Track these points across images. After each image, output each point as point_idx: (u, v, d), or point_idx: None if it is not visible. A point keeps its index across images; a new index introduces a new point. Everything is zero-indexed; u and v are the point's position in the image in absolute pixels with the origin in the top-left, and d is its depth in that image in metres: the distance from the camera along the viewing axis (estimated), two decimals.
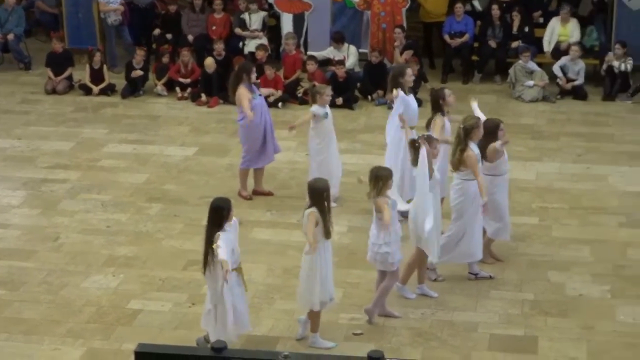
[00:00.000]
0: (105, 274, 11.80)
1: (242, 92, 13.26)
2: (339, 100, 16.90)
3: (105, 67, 18.63)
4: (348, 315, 10.68)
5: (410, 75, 12.93)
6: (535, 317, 10.77)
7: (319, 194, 9.95)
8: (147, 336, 10.29)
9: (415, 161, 10.86)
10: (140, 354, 4.19)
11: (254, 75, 13.65)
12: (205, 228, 9.70)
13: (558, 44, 18.51)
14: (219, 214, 9.64)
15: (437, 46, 19.59)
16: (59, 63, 18.74)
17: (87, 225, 13.11)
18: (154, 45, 19.85)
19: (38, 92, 18.60)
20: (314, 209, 9.88)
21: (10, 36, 19.82)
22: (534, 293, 11.26)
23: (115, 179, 14.54)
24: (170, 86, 18.39)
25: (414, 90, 17.43)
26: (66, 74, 18.64)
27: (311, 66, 17.83)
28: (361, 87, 17.93)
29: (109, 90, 18.43)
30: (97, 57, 18.55)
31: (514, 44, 18.64)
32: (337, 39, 18.53)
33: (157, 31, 19.81)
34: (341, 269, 11.53)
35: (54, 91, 18.50)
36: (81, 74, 18.70)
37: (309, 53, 18.54)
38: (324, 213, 9.90)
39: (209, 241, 9.57)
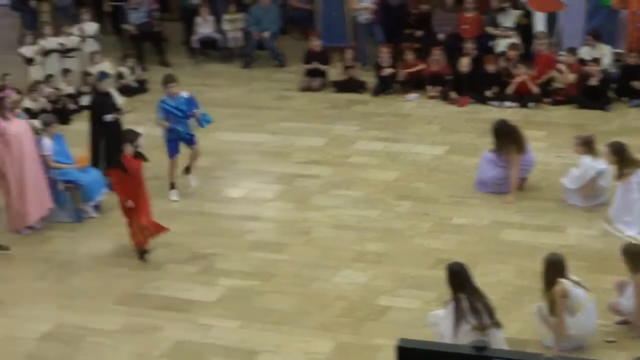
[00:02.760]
0: (355, 269, 11.98)
1: None
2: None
3: (356, 65, 18.90)
4: (599, 321, 10.43)
5: None
6: None
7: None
8: (395, 333, 10.26)
9: None
10: (403, 349, 4.25)
11: None
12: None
13: None
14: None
15: None
16: (315, 61, 19.10)
17: (337, 220, 13.33)
18: (404, 44, 19.99)
19: (291, 89, 19.08)
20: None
21: (266, 34, 20.41)
22: None
23: (365, 176, 14.72)
24: (419, 85, 18.50)
25: None
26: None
27: (568, 58, 17.51)
28: (616, 89, 17.47)
29: (360, 88, 18.71)
30: (349, 54, 18.86)
31: None
32: (595, 35, 18.12)
33: (408, 31, 19.96)
34: (593, 274, 11.30)
35: (309, 89, 18.93)
36: (334, 71, 19.06)
37: (569, 47, 18.11)
38: None
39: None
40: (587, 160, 13.12)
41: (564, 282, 9.78)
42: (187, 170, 14.40)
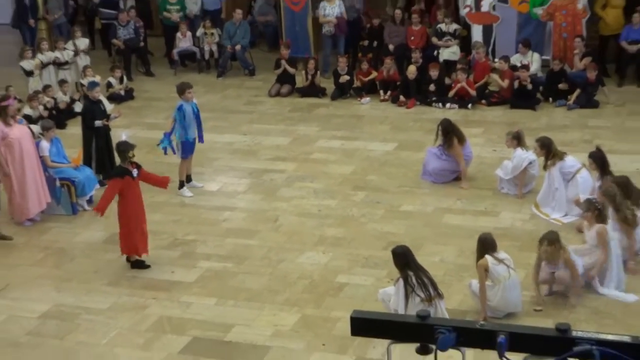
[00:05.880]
0: (317, 251, 12.01)
1: None
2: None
3: (318, 72, 18.90)
4: (529, 292, 10.54)
5: None
6: None
7: None
8: (352, 306, 10.29)
9: None
10: (356, 320, 4.35)
11: None
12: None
13: None
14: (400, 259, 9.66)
15: (610, 54, 19.00)
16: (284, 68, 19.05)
17: (301, 209, 13.36)
18: (359, 54, 20.04)
19: (261, 95, 19.10)
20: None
21: (238, 47, 20.40)
22: None
23: (325, 170, 14.76)
24: (373, 90, 18.54)
25: (592, 92, 17.09)
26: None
27: (502, 64, 17.60)
28: (543, 91, 17.62)
29: (321, 93, 18.75)
30: (311, 64, 18.87)
31: None
32: (526, 44, 18.25)
33: (362, 42, 20.02)
34: (523, 252, 11.41)
35: (278, 94, 18.92)
36: (298, 79, 19.07)
37: (503, 55, 18.15)
38: None
39: None
40: (519, 152, 13.22)
41: (486, 258, 9.90)
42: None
